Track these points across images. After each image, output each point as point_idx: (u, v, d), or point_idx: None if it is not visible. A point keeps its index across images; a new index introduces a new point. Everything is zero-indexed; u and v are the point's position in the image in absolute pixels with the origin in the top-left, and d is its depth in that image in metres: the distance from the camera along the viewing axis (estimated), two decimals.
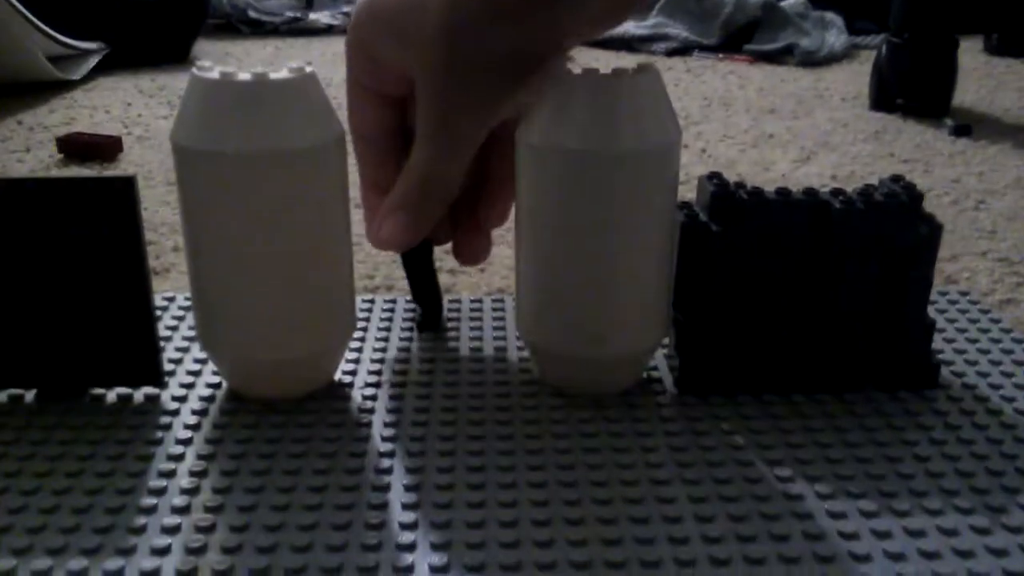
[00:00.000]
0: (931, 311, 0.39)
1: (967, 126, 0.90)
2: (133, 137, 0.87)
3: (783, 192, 0.37)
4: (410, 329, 0.44)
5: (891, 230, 0.37)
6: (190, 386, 0.39)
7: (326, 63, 1.28)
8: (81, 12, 1.18)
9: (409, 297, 0.46)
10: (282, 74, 0.34)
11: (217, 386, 0.39)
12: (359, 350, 0.42)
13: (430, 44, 0.33)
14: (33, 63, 1.03)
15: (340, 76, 0.41)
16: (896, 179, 0.38)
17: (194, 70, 0.34)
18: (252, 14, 1.58)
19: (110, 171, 0.76)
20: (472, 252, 0.42)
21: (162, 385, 0.38)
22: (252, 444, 0.35)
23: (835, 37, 1.38)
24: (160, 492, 0.32)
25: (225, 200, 0.34)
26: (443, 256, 0.40)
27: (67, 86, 1.08)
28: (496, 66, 0.33)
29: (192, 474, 0.33)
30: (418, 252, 0.42)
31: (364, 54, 0.37)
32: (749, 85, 1.16)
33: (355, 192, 0.40)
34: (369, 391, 0.39)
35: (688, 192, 0.39)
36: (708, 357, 0.38)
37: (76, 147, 0.80)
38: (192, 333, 0.43)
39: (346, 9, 1.68)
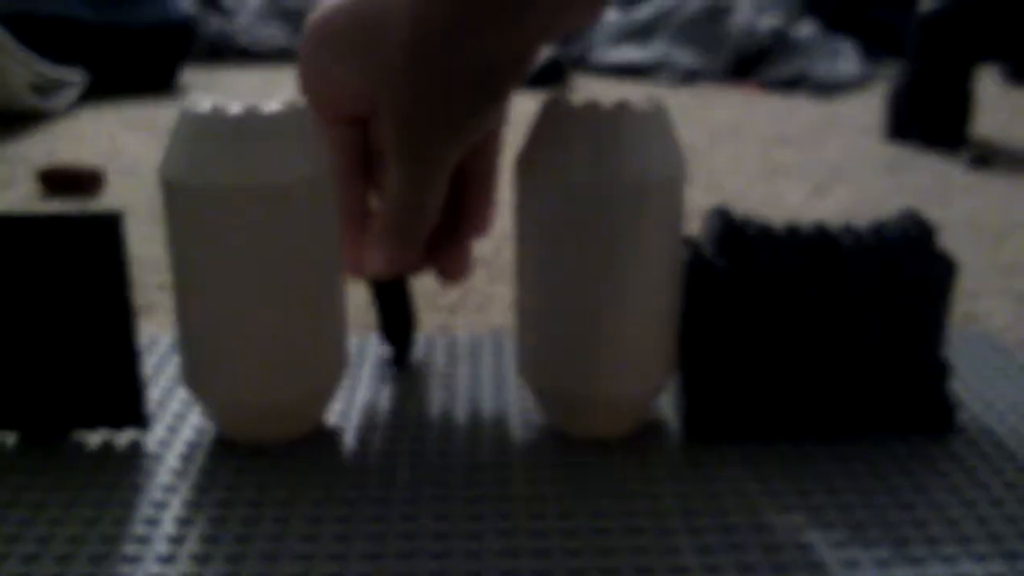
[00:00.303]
0: (947, 351, 0.39)
1: (984, 157, 0.91)
2: (116, 170, 0.88)
3: (793, 228, 0.38)
4: (405, 370, 0.45)
5: (904, 268, 0.37)
6: (175, 430, 0.39)
7: None
8: (62, 40, 1.19)
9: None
10: (273, 107, 0.35)
11: (203, 430, 0.39)
12: (351, 391, 0.42)
13: (395, 64, 0.34)
14: (18, 95, 1.04)
15: None
16: (909, 214, 0.39)
17: (184, 103, 0.35)
18: (240, 42, 1.60)
19: (93, 206, 0.77)
20: (456, 268, 0.42)
21: (145, 427, 0.38)
22: (239, 490, 0.35)
23: (848, 65, 1.40)
24: (145, 540, 0.32)
25: (215, 236, 0.35)
26: (441, 293, 0.41)
27: (48, 116, 1.09)
28: (464, 82, 0.34)
29: (178, 521, 0.33)
30: (391, 280, 0.43)
31: (319, 78, 0.38)
32: (758, 114, 1.17)
33: None
34: (362, 435, 0.39)
35: (694, 227, 0.39)
36: (715, 399, 0.38)
37: (58, 181, 0.80)
38: (177, 374, 0.43)
39: None
